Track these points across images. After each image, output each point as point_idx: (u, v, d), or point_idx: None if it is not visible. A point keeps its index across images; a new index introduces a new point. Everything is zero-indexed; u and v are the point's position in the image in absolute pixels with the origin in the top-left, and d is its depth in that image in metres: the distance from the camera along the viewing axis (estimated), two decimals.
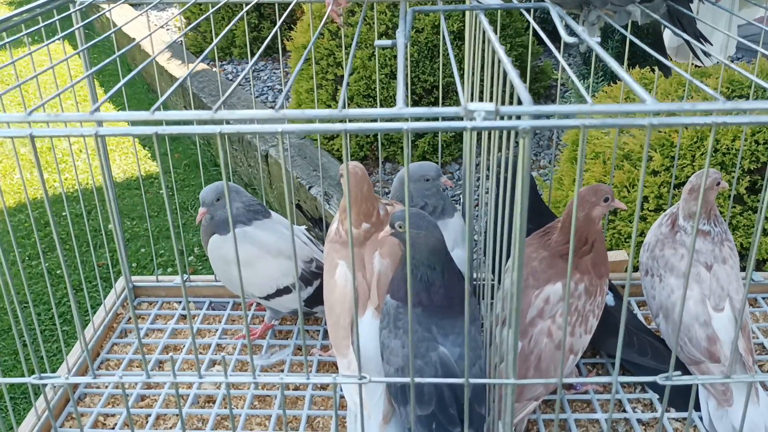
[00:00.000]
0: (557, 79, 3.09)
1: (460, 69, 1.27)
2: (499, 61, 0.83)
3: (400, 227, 0.98)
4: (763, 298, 1.39)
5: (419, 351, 0.95)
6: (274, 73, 4.13)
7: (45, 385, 0.85)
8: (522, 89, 0.67)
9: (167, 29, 5.03)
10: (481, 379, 0.94)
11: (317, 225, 2.83)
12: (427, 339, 0.96)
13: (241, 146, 3.49)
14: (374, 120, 0.65)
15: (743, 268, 1.63)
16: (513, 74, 0.72)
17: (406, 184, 0.67)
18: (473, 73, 1.13)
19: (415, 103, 2.90)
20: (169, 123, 0.65)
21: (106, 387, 1.20)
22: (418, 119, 0.64)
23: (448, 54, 2.72)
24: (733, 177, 1.76)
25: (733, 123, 0.62)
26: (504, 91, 0.85)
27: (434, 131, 0.64)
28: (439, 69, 2.81)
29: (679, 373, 0.75)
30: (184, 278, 1.43)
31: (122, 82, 0.73)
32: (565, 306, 0.74)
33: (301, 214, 2.98)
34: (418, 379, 0.76)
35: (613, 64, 0.74)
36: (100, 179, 1.36)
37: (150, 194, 3.53)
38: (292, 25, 3.95)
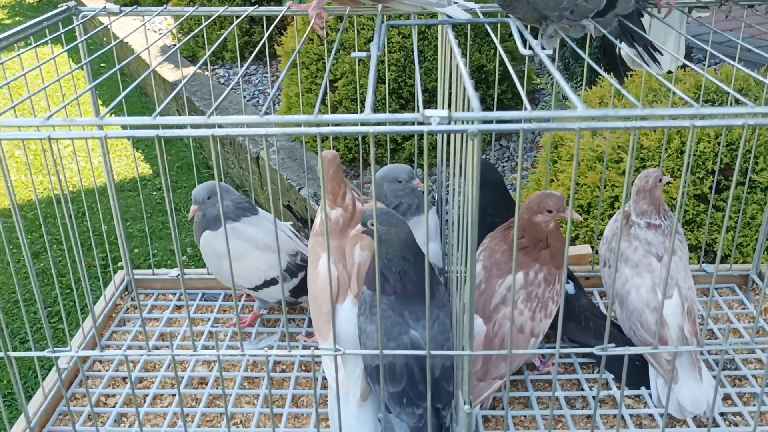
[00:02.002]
0: (538, 83, 3.21)
1: (434, 78, 1.37)
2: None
3: (371, 225, 1.09)
4: (716, 289, 1.50)
5: (392, 334, 1.05)
6: (266, 77, 4.24)
7: (58, 358, 0.95)
8: (474, 97, 0.78)
9: (160, 34, 5.12)
10: (444, 363, 1.04)
11: (307, 225, 2.93)
12: (399, 323, 1.06)
13: (233, 149, 3.59)
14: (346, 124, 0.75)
15: (712, 261, 1.74)
16: (468, 84, 0.83)
17: (372, 183, 0.77)
18: (444, 82, 1.24)
19: (402, 107, 3.00)
20: (165, 127, 0.75)
21: (107, 369, 1.30)
22: (382, 124, 0.75)
23: (430, 61, 2.81)
24: (696, 177, 1.88)
25: (651, 126, 0.73)
26: (465, 99, 0.95)
27: (395, 134, 0.74)
28: (414, 74, 2.92)
29: (613, 345, 0.85)
30: (179, 272, 1.53)
31: (124, 93, 0.83)
32: (512, 296, 0.85)
33: (291, 215, 3.08)
34: (386, 352, 0.86)
35: (557, 75, 0.85)
36: (96, 180, 1.46)
37: (144, 195, 3.62)
38: (282, 30, 4.05)
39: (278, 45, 3.43)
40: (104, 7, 1.26)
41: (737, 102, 1.91)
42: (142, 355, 1.20)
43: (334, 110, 3.04)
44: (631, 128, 0.73)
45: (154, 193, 3.63)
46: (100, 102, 4.57)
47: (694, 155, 1.94)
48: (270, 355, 0.99)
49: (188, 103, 3.98)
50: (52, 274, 1.23)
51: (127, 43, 4.63)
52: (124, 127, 0.75)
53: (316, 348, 0.94)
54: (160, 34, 5.10)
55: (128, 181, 3.77)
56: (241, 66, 4.52)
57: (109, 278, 1.56)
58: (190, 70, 4.42)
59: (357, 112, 3.02)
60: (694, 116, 0.73)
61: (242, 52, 4.52)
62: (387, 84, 1.79)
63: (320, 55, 3.08)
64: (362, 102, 3.02)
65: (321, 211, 1.23)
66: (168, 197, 0.83)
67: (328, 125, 0.77)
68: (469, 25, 1.61)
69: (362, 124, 0.75)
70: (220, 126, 0.74)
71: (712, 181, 1.92)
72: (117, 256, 3.08)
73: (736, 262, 1.61)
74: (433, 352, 0.84)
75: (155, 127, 0.74)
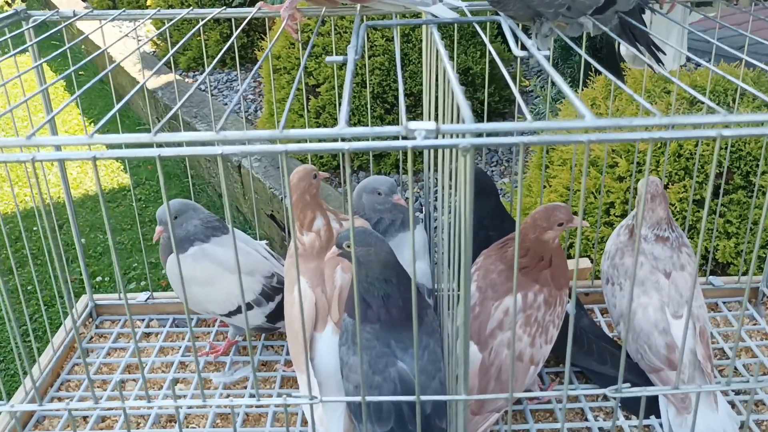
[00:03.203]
0: (527, 86, 3.11)
1: (420, 82, 1.27)
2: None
3: (348, 246, 0.98)
4: (724, 303, 1.41)
5: (378, 367, 0.95)
6: (248, 82, 4.12)
7: None
8: (464, 106, 0.68)
9: (138, 39, 5.00)
10: (438, 394, 0.94)
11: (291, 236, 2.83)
12: (386, 354, 0.96)
13: (214, 158, 3.47)
14: (316, 140, 0.65)
15: (711, 272, 1.65)
16: (457, 90, 0.73)
17: (349, 202, 0.67)
18: (430, 89, 1.14)
19: (387, 111, 2.90)
20: (109, 147, 0.64)
21: (68, 402, 1.18)
22: (359, 139, 0.64)
23: (414, 64, 2.71)
24: (697, 181, 1.79)
25: (673, 138, 0.63)
26: (453, 108, 0.85)
27: (375, 151, 0.64)
28: (394, 79, 2.82)
29: (628, 385, 0.75)
30: (147, 296, 1.42)
31: (112, 111, 0.72)
32: (512, 321, 0.74)
33: (275, 225, 2.97)
34: (369, 398, 0.76)
35: (557, 78, 0.75)
36: (72, 192, 1.35)
37: (123, 207, 3.50)
38: (263, 35, 3.95)
39: (259, 50, 3.32)
40: (57, 10, 1.15)
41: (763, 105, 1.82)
42: (90, 408, 1.09)
43: (317, 116, 2.93)
44: (649, 140, 0.62)
45: (134, 205, 3.51)
46: (77, 111, 4.41)
47: (693, 158, 1.85)
48: (234, 405, 0.88)
49: (168, 111, 3.86)
50: (27, 290, 1.12)
51: (105, 50, 4.49)
52: (109, 146, 0.64)
53: (290, 395, 0.83)
54: (138, 41, 4.98)
55: (108, 192, 3.65)
56: (223, 72, 4.40)
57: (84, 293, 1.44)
58: (169, 77, 4.31)
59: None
60: (722, 125, 0.62)
61: (223, 57, 4.41)
62: (370, 88, 1.69)
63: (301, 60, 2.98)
64: None
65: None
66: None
67: (300, 141, 0.67)
68: (455, 26, 1.52)
69: (337, 140, 0.65)
70: (166, 145, 0.64)
71: (713, 185, 1.83)
72: (95, 270, 2.97)
73: (744, 273, 1.51)
74: (423, 398, 0.73)
75: (150, 145, 0.64)
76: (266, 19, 4.46)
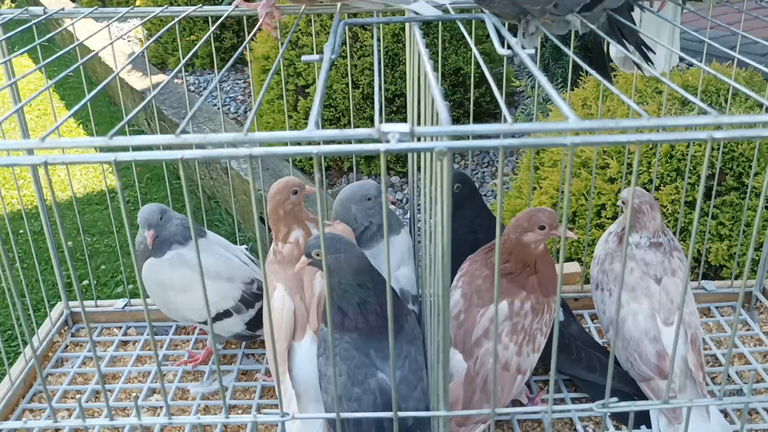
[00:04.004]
0: (518, 86, 3.08)
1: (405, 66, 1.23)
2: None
3: (317, 255, 0.95)
4: (716, 308, 1.37)
5: (357, 378, 0.91)
6: (237, 83, 4.09)
7: None
8: (442, 108, 0.64)
9: (128, 41, 4.95)
10: (421, 404, 0.90)
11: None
12: (366, 365, 0.92)
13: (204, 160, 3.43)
14: (284, 144, 0.61)
15: (703, 275, 1.62)
16: (436, 91, 0.69)
17: (319, 206, 0.63)
18: (413, 89, 1.10)
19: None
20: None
21: (38, 419, 1.14)
22: (330, 142, 0.60)
23: (404, 64, 2.67)
24: (689, 183, 1.76)
25: (662, 140, 0.60)
26: (434, 110, 0.81)
27: (348, 154, 0.60)
28: (391, 78, 2.78)
29: (616, 399, 0.72)
30: (125, 303, 1.38)
31: (82, 102, 0.69)
32: (494, 329, 0.71)
33: (265, 227, 2.92)
34: (345, 415, 0.72)
35: (542, 78, 0.71)
36: (59, 194, 1.31)
37: (111, 209, 3.45)
38: (253, 37, 3.90)
39: (249, 50, 3.28)
40: (26, 9, 1.11)
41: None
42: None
43: (306, 117, 2.89)
44: (636, 142, 0.59)
45: (122, 206, 3.47)
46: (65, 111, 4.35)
47: (685, 159, 1.82)
48: (204, 424, 0.84)
49: (158, 113, 3.82)
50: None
51: (95, 52, 4.44)
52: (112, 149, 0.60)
53: (260, 412, 0.81)
54: (127, 40, 4.94)
55: (96, 193, 3.60)
56: (212, 73, 4.36)
57: (72, 296, 1.40)
58: (159, 78, 4.26)
59: (331, 119, 2.90)
60: (713, 126, 0.59)
61: (212, 58, 4.36)
62: (360, 89, 1.65)
63: (291, 60, 2.94)
64: (335, 108, 2.88)
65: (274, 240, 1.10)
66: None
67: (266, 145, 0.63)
68: (440, 25, 1.48)
69: (306, 143, 0.61)
70: (122, 148, 0.60)
71: (705, 186, 1.81)
72: (82, 274, 2.92)
73: (737, 277, 1.48)
74: (401, 414, 0.69)
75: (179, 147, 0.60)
76: (255, 20, 4.43)
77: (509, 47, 0.84)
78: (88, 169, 3.81)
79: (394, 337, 0.94)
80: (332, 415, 0.71)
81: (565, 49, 0.85)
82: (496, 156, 3.02)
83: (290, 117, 2.97)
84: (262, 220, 3.01)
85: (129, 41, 4.94)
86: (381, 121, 0.61)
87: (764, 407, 1.13)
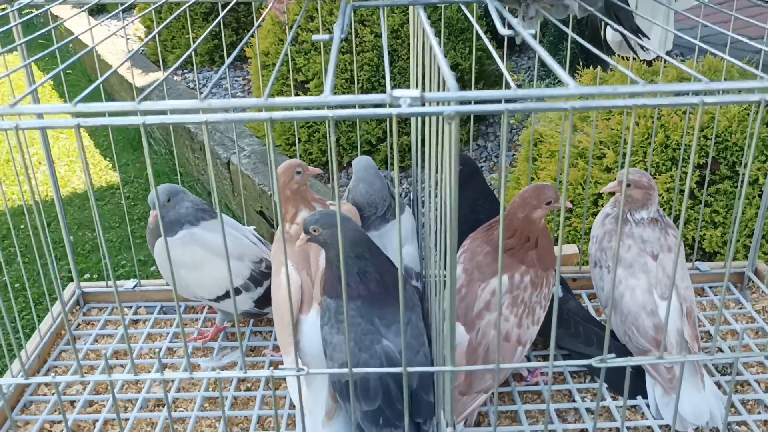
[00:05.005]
0: (516, 80, 3.12)
1: (408, 78, 1.27)
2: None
3: (315, 231, 0.99)
4: (710, 287, 1.41)
5: (363, 344, 0.95)
6: (236, 81, 4.12)
7: None
8: (449, 76, 0.68)
9: (126, 38, 4.98)
10: (423, 366, 0.94)
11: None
12: (371, 332, 0.96)
13: (203, 154, 3.46)
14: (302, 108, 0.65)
15: (702, 259, 1.66)
16: (442, 63, 0.73)
17: (334, 173, 0.67)
18: (416, 67, 1.14)
19: (375, 106, 2.90)
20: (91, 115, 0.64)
21: (53, 393, 1.18)
22: (343, 107, 0.64)
23: (404, 60, 2.71)
24: (683, 171, 1.80)
25: (652, 105, 0.63)
26: (440, 81, 0.85)
27: (361, 118, 0.64)
28: (383, 75, 2.82)
29: (613, 355, 0.75)
30: (135, 283, 1.41)
31: (96, 84, 0.72)
32: (497, 301, 0.74)
33: (264, 221, 2.96)
34: (357, 370, 0.76)
35: (542, 52, 0.75)
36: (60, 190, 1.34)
37: (111, 205, 3.49)
38: (260, 23, 3.93)
39: (248, 47, 3.32)
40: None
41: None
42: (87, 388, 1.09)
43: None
44: (632, 107, 0.63)
45: (122, 202, 3.50)
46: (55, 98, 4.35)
47: (680, 148, 1.86)
48: (223, 378, 0.88)
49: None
50: (15, 288, 1.12)
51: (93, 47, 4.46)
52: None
53: (277, 367, 0.85)
54: (126, 38, 4.96)
55: (96, 189, 3.63)
56: (211, 69, 4.39)
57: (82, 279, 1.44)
58: (157, 75, 4.29)
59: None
60: (703, 92, 0.63)
61: (212, 55, 4.40)
62: (359, 84, 1.69)
63: (291, 56, 2.97)
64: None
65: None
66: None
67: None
68: (442, 23, 1.52)
69: (321, 108, 0.65)
70: (151, 112, 0.63)
71: (698, 175, 1.85)
72: (83, 268, 2.95)
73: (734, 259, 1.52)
74: (410, 369, 0.73)
75: (133, 113, 0.63)
76: (255, 17, 4.46)
77: (510, 27, 0.88)
78: (89, 164, 3.84)
79: (394, 305, 0.98)
80: (345, 370, 0.74)
81: (566, 29, 0.89)
82: (494, 150, 3.07)
83: (269, 94, 3.01)
84: (262, 214, 3.04)
85: (128, 39, 4.97)
86: (392, 87, 0.65)
87: (756, 379, 1.17)
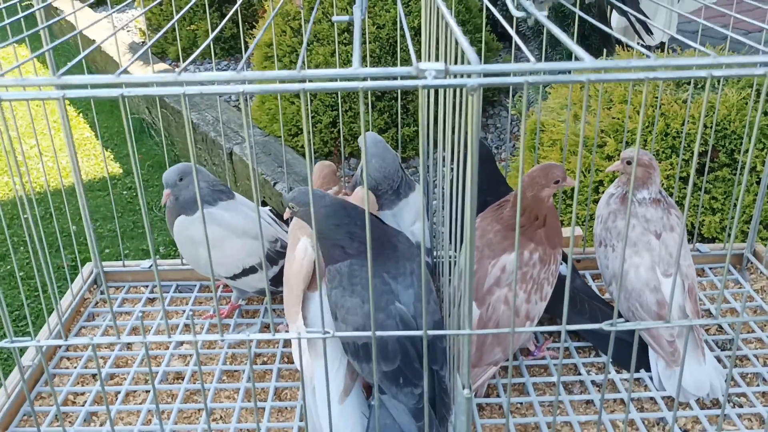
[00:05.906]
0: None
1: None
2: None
3: (292, 207, 1.03)
4: (710, 269, 1.46)
5: (380, 305, 0.97)
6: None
7: (22, 351, 0.87)
8: (469, 50, 0.72)
9: (128, 31, 5.00)
10: (434, 314, 0.98)
11: (283, 221, 2.86)
12: (386, 291, 0.98)
13: (206, 145, 3.50)
14: (333, 80, 0.69)
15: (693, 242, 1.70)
16: (461, 37, 0.77)
17: (364, 141, 0.70)
18: (429, 45, 1.18)
19: (378, 99, 2.94)
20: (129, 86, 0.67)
21: (75, 366, 1.21)
22: (373, 79, 0.68)
23: (405, 52, 2.76)
24: (683, 159, 1.84)
25: (664, 78, 0.67)
26: (456, 57, 0.89)
27: (389, 89, 0.67)
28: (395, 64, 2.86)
29: (622, 320, 0.79)
30: (151, 263, 1.45)
31: (81, 56, 0.75)
32: (514, 280, 0.78)
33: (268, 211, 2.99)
34: (380, 333, 0.79)
35: (556, 30, 0.79)
36: (63, 181, 1.37)
37: (113, 195, 3.51)
38: (254, 23, 3.97)
39: (250, 38, 3.35)
40: None
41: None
42: (112, 343, 1.12)
43: (311, 102, 2.96)
44: (644, 80, 0.67)
45: (125, 192, 3.53)
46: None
47: (680, 137, 1.90)
48: (252, 339, 0.92)
49: (159, 100, 3.88)
50: (16, 277, 1.15)
51: (95, 42, 4.50)
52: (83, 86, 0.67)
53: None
54: (126, 30, 4.99)
55: (98, 180, 3.66)
56: (212, 62, 4.41)
57: (77, 272, 1.47)
58: (159, 67, 4.32)
59: (332, 105, 2.97)
60: (710, 66, 0.67)
61: (213, 48, 4.42)
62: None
63: (293, 47, 3.01)
64: (336, 95, 2.95)
65: None
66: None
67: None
68: (447, 13, 1.56)
69: (351, 80, 0.68)
70: (188, 84, 0.67)
71: (698, 162, 1.89)
72: (86, 257, 2.98)
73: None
74: (431, 332, 0.77)
75: (118, 85, 0.66)
76: (256, 10, 4.48)
77: (523, 9, 0.92)
78: (89, 156, 3.87)
79: (395, 258, 1.01)
80: (368, 333, 0.78)
81: (573, 8, 0.93)
82: (495, 142, 3.11)
83: (292, 103, 3.04)
84: (264, 204, 3.07)
85: (129, 31, 4.99)
86: (418, 61, 0.68)
87: (755, 354, 1.22)
